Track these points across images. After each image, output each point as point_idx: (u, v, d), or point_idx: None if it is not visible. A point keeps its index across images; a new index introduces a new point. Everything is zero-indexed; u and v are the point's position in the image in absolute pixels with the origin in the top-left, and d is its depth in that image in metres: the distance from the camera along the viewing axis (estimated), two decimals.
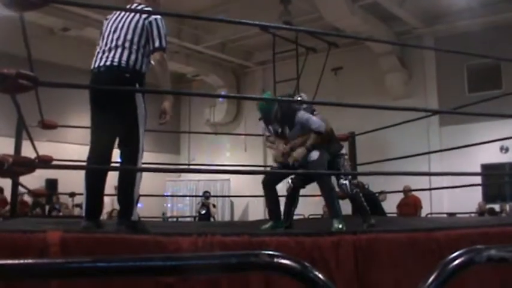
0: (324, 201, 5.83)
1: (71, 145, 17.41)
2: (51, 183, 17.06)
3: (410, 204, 13.79)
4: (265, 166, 17.46)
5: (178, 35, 17.85)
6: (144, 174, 4.64)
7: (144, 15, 4.38)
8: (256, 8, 15.68)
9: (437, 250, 3.93)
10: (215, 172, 10.96)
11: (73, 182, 14.15)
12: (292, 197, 5.96)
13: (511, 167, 15.36)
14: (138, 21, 4.36)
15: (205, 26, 17.83)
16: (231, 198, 19.98)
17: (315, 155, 5.68)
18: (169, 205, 20.06)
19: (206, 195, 16.63)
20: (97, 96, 4.40)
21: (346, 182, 5.79)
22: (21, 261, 1.17)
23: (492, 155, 15.08)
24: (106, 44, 4.38)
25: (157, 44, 4.30)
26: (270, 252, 1.34)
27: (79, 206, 15.86)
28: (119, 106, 4.26)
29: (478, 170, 15.49)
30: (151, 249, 3.25)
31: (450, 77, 17.03)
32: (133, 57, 4.26)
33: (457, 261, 1.40)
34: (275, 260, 1.32)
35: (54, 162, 6.15)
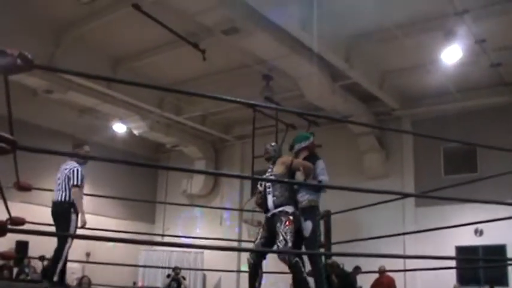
0: (314, 277, 5.87)
1: (44, 207, 17.15)
2: (22, 246, 16.64)
3: (383, 285, 13.71)
4: (240, 241, 17.33)
5: (160, 105, 17.96)
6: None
7: None
8: (238, 82, 15.90)
9: None
10: (189, 246, 10.83)
11: (44, 245, 13.93)
12: (255, 272, 6.01)
13: (485, 250, 15.38)
14: None
15: (187, 97, 18.00)
16: (204, 271, 19.66)
17: (308, 227, 5.82)
18: (140, 274, 19.66)
19: (176, 271, 16.41)
20: None
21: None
22: None
23: (467, 237, 15.17)
24: None
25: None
26: None
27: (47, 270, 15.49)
28: None
29: (453, 251, 15.52)
30: None
31: (427, 159, 17.28)
32: None
33: None
34: None
35: (27, 225, 6.05)
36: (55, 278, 7.05)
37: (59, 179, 7.52)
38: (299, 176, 6.40)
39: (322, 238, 7.28)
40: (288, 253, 5.85)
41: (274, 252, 6.45)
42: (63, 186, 7.41)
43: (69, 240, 7.13)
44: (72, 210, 7.31)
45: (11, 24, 12.73)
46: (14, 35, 12.51)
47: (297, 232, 6.10)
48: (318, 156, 6.77)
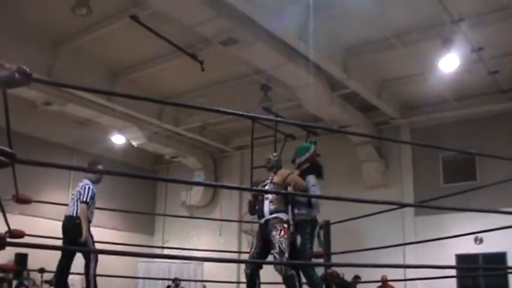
0: None
1: (44, 219, 17.15)
2: (21, 258, 16.60)
3: None
4: (239, 252, 17.28)
5: (159, 116, 17.98)
6: None
7: None
8: (237, 93, 15.94)
9: None
10: (188, 258, 10.82)
11: (44, 258, 13.89)
12: (253, 283, 6.10)
13: (485, 258, 15.35)
14: None
15: (186, 109, 18.01)
16: (204, 282, 19.60)
17: (298, 241, 5.88)
18: (140, 286, 19.59)
19: (176, 282, 16.38)
20: None
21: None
22: None
23: (467, 245, 15.11)
24: None
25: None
26: None
27: (48, 282, 15.44)
28: None
29: (453, 260, 15.48)
30: None
31: (426, 167, 17.29)
32: None
33: None
34: None
35: (26, 238, 6.04)
36: None
37: (73, 194, 7.91)
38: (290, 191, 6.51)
39: (321, 248, 7.30)
40: (284, 264, 5.90)
41: (270, 263, 6.49)
42: (75, 201, 7.70)
43: (93, 258, 7.49)
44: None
45: (9, 37, 12.75)
46: (12, 47, 12.53)
47: (292, 244, 6.18)
48: (318, 165, 6.80)
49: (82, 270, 7.45)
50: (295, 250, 6.19)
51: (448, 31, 11.93)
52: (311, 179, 6.48)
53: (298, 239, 6.23)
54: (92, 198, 7.71)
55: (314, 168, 6.73)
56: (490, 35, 12.54)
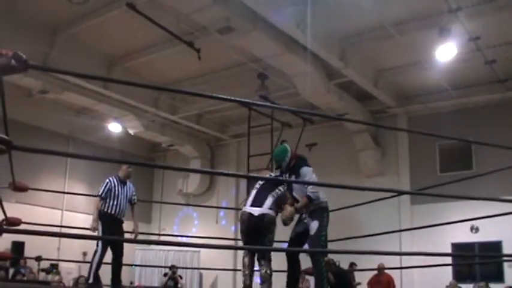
0: (314, 277, 5.96)
1: (40, 208, 17.17)
2: (18, 246, 16.62)
3: (382, 283, 13.74)
4: (236, 239, 17.33)
5: (155, 104, 17.96)
6: None
7: None
8: (234, 81, 15.92)
9: None
10: (185, 245, 10.85)
11: (40, 246, 13.93)
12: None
13: (481, 246, 15.42)
14: None
15: (183, 97, 17.97)
16: (200, 270, 19.67)
17: (314, 227, 5.91)
18: (137, 274, 19.65)
19: (173, 270, 16.41)
20: None
21: None
22: None
23: (462, 234, 15.20)
24: None
25: None
26: None
27: (45, 270, 15.46)
28: None
29: (449, 248, 15.54)
30: None
31: (422, 156, 17.31)
32: None
33: None
34: None
35: (23, 225, 6.05)
36: (90, 281, 7.82)
37: None
38: (287, 208, 6.43)
39: None
40: (288, 251, 5.94)
41: (282, 250, 6.50)
42: None
43: (99, 247, 7.82)
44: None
45: (4, 25, 12.71)
46: (7, 35, 12.50)
47: (302, 233, 6.23)
48: (303, 157, 6.81)
49: (79, 258, 7.76)
50: (308, 235, 6.23)
51: (445, 20, 11.92)
52: (307, 171, 6.45)
53: (316, 224, 6.21)
54: (106, 192, 8.16)
55: (302, 160, 6.71)
56: (487, 24, 12.53)
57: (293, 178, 6.47)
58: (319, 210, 6.31)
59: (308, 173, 6.41)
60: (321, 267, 6.10)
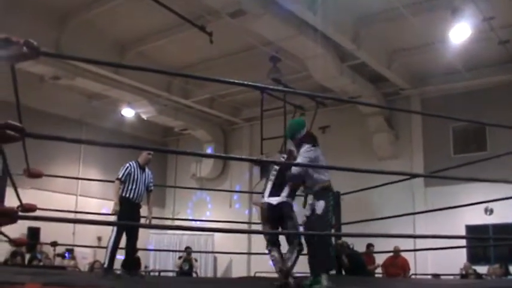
0: (318, 253, 6.00)
1: (55, 193, 17.29)
2: (34, 232, 16.79)
3: (397, 265, 13.73)
4: (249, 223, 17.38)
5: (168, 89, 18.00)
6: None
7: None
8: (246, 64, 15.90)
9: None
10: (199, 230, 10.90)
11: (56, 231, 14.06)
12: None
13: (495, 228, 15.37)
14: None
15: (195, 81, 17.97)
16: (215, 253, 19.79)
17: (320, 205, 5.95)
18: (151, 258, 19.78)
19: (188, 251, 16.50)
20: None
21: None
22: None
23: (477, 216, 15.15)
24: None
25: None
26: None
27: (60, 255, 15.62)
28: None
29: (463, 231, 15.52)
30: None
31: (436, 138, 17.22)
32: None
33: None
34: None
35: (38, 211, 6.09)
36: (105, 265, 7.84)
37: None
38: None
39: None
40: (299, 234, 5.96)
41: (282, 233, 6.57)
42: None
43: (114, 231, 7.84)
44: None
45: (15, 12, 12.73)
46: (19, 22, 12.52)
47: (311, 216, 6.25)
48: (313, 135, 6.78)
49: (94, 243, 7.76)
50: (314, 215, 6.24)
51: (459, 1, 11.80)
52: (304, 150, 6.39)
53: (322, 204, 6.21)
54: (125, 175, 8.18)
55: (311, 137, 6.67)
56: (501, 4, 12.40)
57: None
58: (323, 191, 6.32)
59: (304, 152, 6.35)
60: (326, 245, 6.16)
